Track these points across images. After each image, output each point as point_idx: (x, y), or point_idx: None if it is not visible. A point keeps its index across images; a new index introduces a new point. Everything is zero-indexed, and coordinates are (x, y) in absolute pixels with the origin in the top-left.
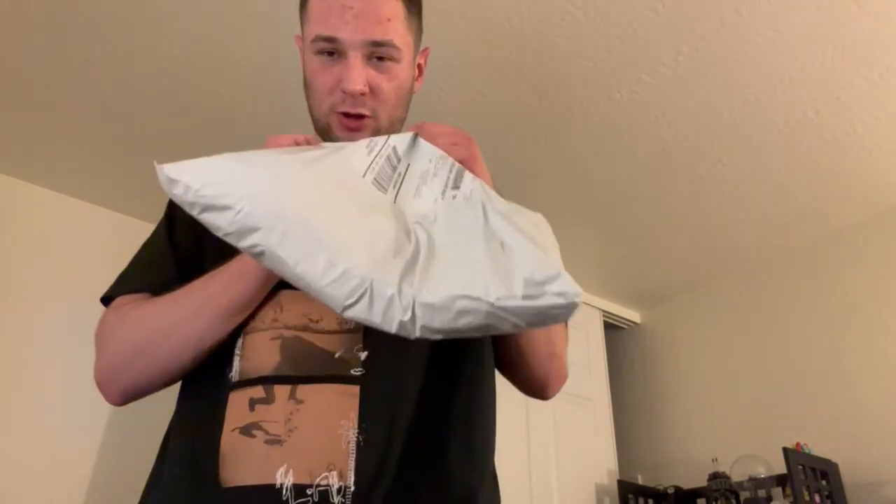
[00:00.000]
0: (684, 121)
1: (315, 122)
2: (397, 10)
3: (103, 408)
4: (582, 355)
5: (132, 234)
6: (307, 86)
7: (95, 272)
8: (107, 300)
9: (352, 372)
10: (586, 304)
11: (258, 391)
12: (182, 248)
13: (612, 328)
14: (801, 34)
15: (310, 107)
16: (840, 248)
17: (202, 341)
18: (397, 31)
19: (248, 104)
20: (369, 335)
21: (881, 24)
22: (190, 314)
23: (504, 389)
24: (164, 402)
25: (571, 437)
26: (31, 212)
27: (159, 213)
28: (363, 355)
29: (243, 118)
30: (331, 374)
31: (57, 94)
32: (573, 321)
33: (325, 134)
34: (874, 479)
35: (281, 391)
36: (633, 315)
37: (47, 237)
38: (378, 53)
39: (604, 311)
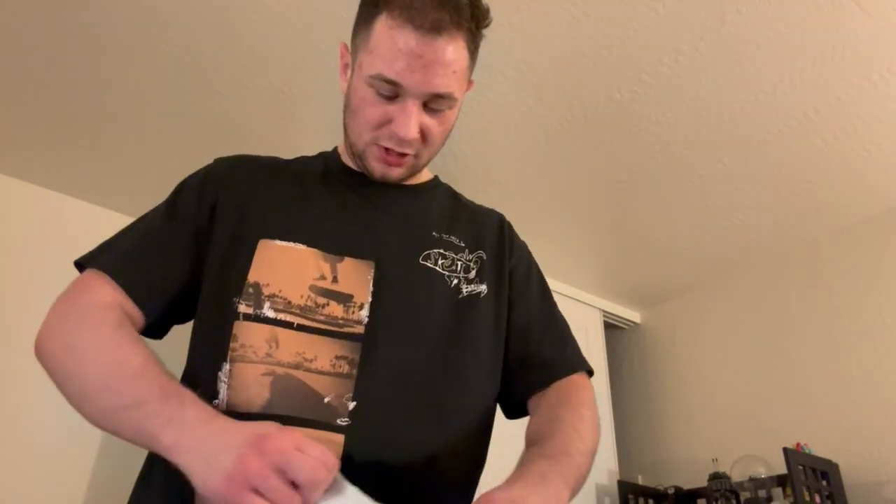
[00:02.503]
0: (684, 121)
1: (351, 144)
2: (462, 62)
3: None
4: None
5: None
6: (352, 110)
7: None
8: (82, 266)
9: (338, 421)
10: (586, 304)
11: None
12: (185, 253)
13: (612, 328)
14: (802, 34)
15: (348, 127)
16: (840, 248)
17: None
18: (459, 82)
19: (248, 104)
20: (361, 383)
21: (881, 24)
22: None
23: None
24: None
25: None
26: (31, 212)
27: None
28: (351, 405)
29: (242, 118)
30: (317, 419)
31: (57, 95)
32: (574, 321)
33: (359, 159)
34: (874, 480)
35: None
36: (633, 315)
37: (47, 237)
38: (435, 103)
39: (604, 311)
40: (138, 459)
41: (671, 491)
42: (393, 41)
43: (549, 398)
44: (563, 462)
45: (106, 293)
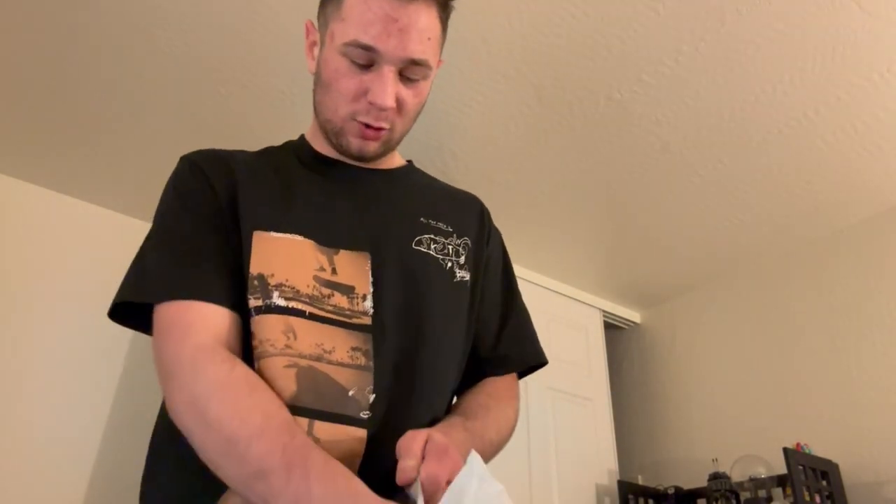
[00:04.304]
0: (684, 121)
1: (326, 121)
2: (436, 30)
3: (103, 408)
4: (582, 355)
5: (132, 234)
6: (324, 84)
7: (95, 272)
8: (125, 300)
9: (361, 414)
10: (586, 304)
11: None
12: (222, 234)
13: (612, 328)
14: (802, 34)
15: (321, 104)
16: (840, 248)
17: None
18: (433, 50)
19: (248, 104)
20: (379, 375)
21: (881, 24)
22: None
23: None
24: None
25: (571, 437)
26: (31, 212)
27: None
28: (372, 398)
29: (242, 118)
30: (344, 413)
31: (57, 95)
32: (574, 321)
33: (335, 136)
34: (874, 480)
35: (300, 424)
36: (633, 315)
37: (47, 237)
38: (411, 71)
39: (604, 311)
40: (138, 459)
41: (671, 491)
42: (367, 6)
43: (484, 386)
44: (477, 442)
45: (203, 328)
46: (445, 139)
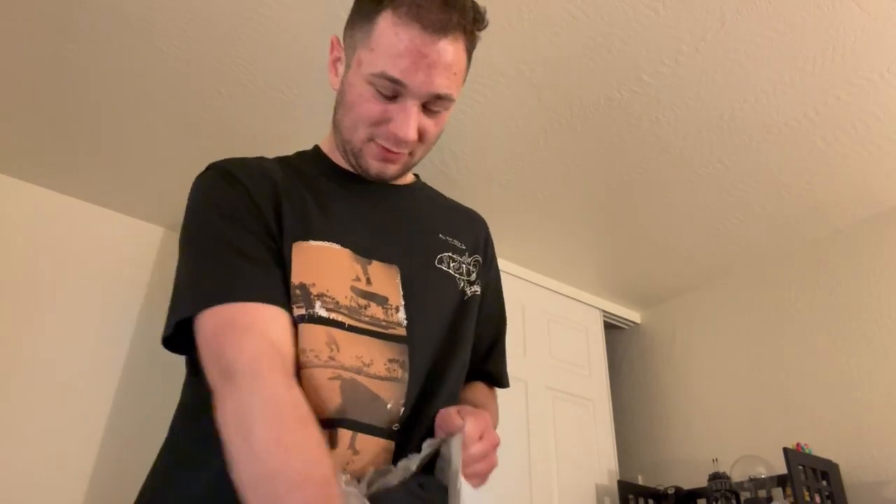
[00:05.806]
0: (684, 121)
1: (346, 141)
2: (462, 63)
3: (104, 407)
4: (582, 355)
5: (134, 235)
6: (347, 105)
7: (97, 273)
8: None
9: (392, 427)
10: (586, 304)
11: (324, 434)
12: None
13: (612, 328)
14: (802, 34)
15: (341, 123)
16: (840, 248)
17: None
18: (458, 84)
19: (249, 104)
20: (411, 387)
21: (881, 24)
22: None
23: (505, 390)
24: (168, 401)
25: (571, 437)
26: (32, 212)
27: (161, 213)
28: (402, 411)
29: (243, 119)
30: (382, 426)
31: (57, 95)
32: (574, 321)
33: (354, 157)
34: (875, 480)
35: (344, 436)
36: (633, 315)
37: (48, 237)
38: (434, 104)
39: (604, 311)
40: (138, 459)
41: (671, 491)
42: (398, 38)
43: (476, 387)
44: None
45: (262, 331)
46: (445, 139)
